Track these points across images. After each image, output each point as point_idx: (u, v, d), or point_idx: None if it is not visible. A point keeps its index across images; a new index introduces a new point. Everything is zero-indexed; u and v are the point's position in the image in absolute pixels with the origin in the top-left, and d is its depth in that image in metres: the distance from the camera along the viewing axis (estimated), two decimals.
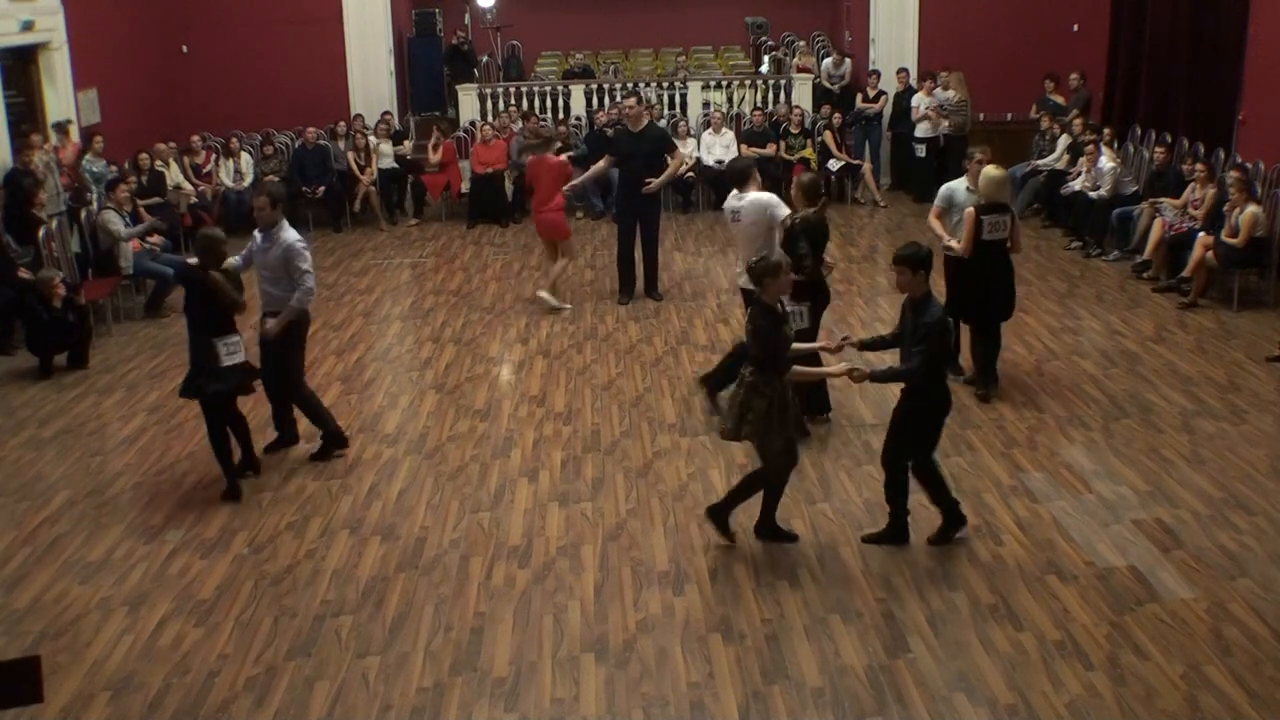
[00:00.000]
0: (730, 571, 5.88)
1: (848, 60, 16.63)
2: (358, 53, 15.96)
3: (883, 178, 15.54)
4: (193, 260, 7.01)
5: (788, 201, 7.95)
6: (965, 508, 6.43)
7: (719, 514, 6.14)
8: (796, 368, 5.95)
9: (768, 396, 5.78)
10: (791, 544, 6.10)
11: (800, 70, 16.61)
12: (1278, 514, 6.33)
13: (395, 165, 14.70)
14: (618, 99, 16.00)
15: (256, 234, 7.26)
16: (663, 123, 15.12)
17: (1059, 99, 14.36)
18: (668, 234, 12.30)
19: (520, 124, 14.97)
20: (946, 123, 14.48)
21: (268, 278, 7.16)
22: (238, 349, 6.83)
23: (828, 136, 14.84)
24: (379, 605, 5.68)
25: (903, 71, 15.37)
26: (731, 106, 16.18)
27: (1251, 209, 9.87)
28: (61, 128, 12.05)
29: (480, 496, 6.86)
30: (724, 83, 16.84)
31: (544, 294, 10.48)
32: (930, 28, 15.86)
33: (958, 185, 8.47)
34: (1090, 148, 12.36)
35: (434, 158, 14.61)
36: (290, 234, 7.14)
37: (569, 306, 10.55)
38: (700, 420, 7.87)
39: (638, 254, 10.71)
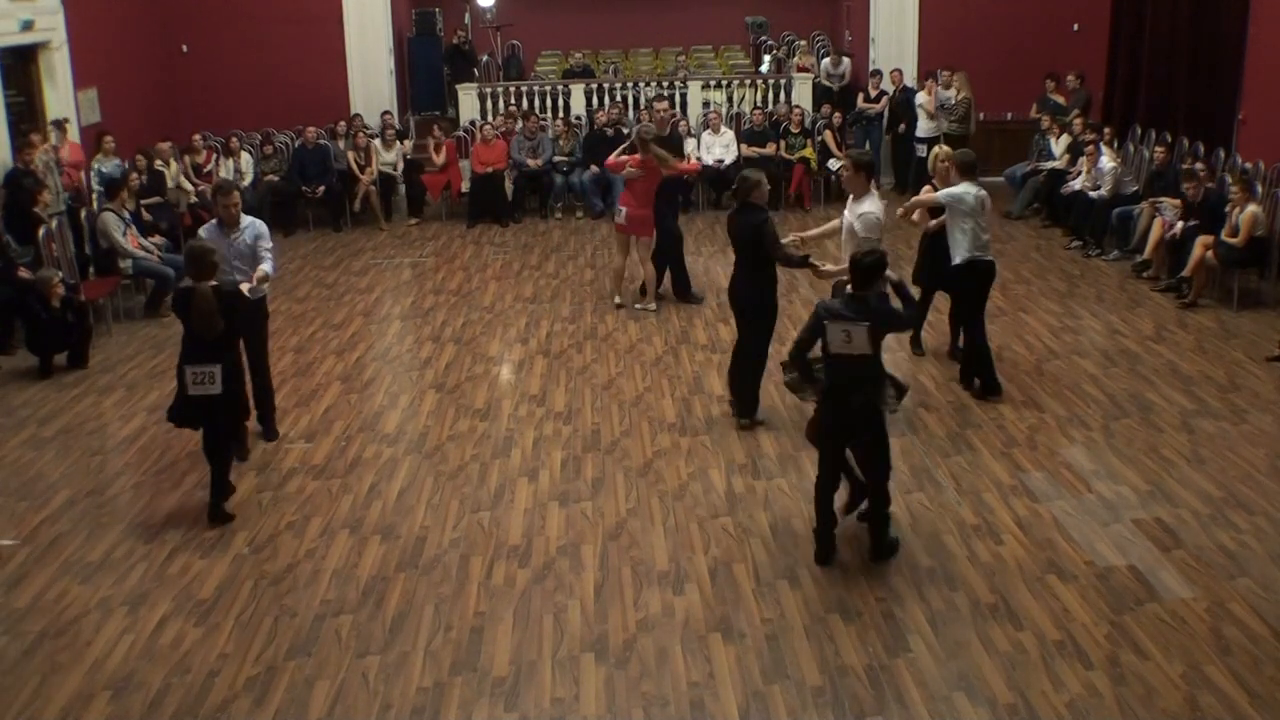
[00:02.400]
0: (730, 571, 5.88)
1: (847, 60, 16.64)
2: (358, 52, 15.96)
3: (883, 177, 15.53)
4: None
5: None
6: (965, 508, 6.45)
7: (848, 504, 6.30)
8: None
9: None
10: (792, 546, 6.11)
11: (800, 70, 16.61)
12: (1278, 514, 6.33)
13: (402, 164, 14.68)
14: (617, 98, 16.04)
15: (216, 230, 7.33)
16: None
17: (1059, 99, 14.36)
18: None
19: (520, 123, 14.96)
20: (946, 122, 14.48)
21: (240, 267, 7.30)
22: (208, 381, 6.29)
23: (828, 136, 14.83)
24: (379, 605, 5.68)
25: (896, 71, 15.39)
26: (731, 106, 16.16)
27: (1251, 209, 9.87)
28: (60, 125, 12.02)
29: (480, 496, 6.86)
30: (724, 82, 16.82)
31: (639, 305, 10.48)
32: (930, 28, 15.87)
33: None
34: (1090, 147, 12.36)
35: (437, 159, 14.60)
36: (251, 218, 7.49)
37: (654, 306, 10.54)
38: (700, 419, 7.87)
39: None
